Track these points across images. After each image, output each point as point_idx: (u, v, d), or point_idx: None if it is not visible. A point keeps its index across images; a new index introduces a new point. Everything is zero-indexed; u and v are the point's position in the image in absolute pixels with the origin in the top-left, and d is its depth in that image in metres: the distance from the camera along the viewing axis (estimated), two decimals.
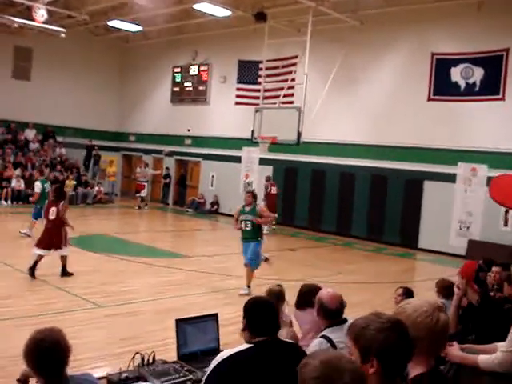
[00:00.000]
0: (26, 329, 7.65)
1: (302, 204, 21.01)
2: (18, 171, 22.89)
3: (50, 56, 25.58)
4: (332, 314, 4.25)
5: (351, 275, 13.20)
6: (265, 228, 19.27)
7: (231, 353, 3.15)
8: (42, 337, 2.91)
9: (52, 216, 10.81)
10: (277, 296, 5.43)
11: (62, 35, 22.68)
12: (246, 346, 3.20)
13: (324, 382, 1.87)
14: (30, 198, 16.42)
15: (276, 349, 3.23)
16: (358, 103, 19.42)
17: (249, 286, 10.69)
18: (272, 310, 3.38)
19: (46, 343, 2.88)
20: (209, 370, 3.18)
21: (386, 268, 14.83)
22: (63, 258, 10.93)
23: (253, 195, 11.12)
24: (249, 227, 10.83)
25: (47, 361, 2.88)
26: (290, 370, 2.21)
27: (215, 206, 24.12)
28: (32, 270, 10.46)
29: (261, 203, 19.40)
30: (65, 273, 10.91)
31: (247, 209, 10.92)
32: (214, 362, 3.17)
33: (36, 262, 10.54)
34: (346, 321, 4.22)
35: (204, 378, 3.21)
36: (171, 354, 4.78)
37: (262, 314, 3.29)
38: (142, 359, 4.20)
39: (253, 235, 10.88)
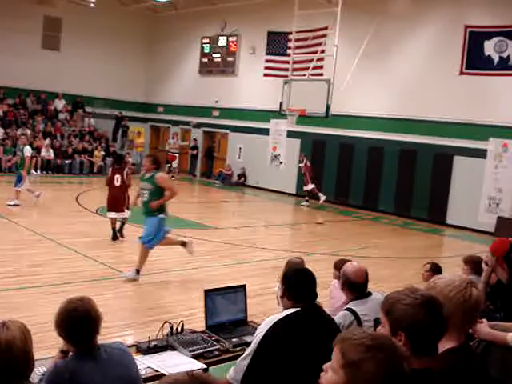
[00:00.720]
0: (56, 296, 7.82)
1: (329, 178, 20.91)
2: (47, 141, 23.12)
3: (79, 26, 25.60)
4: (357, 287, 4.27)
5: (378, 250, 13.16)
6: (304, 204, 19.42)
7: (280, 317, 3.23)
8: (73, 306, 2.94)
9: (117, 183, 11.92)
10: None
11: (92, 5, 22.74)
12: (292, 310, 3.27)
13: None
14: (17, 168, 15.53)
15: (319, 313, 3.38)
16: (388, 76, 19.15)
17: (138, 271, 8.90)
18: (312, 278, 3.46)
19: (78, 313, 2.92)
20: (258, 335, 3.23)
21: (413, 243, 14.76)
22: (125, 220, 12.03)
23: (153, 160, 9.28)
24: (146, 197, 9.15)
25: (79, 330, 2.92)
26: (330, 334, 2.24)
27: (242, 179, 24.15)
28: (115, 233, 11.77)
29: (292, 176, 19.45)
30: (121, 235, 11.95)
31: (146, 176, 9.33)
32: (262, 328, 3.24)
33: (118, 225, 11.90)
34: (370, 294, 4.25)
35: (255, 344, 3.25)
36: (197, 324, 4.83)
37: (303, 280, 3.37)
38: (171, 328, 4.25)
39: (150, 209, 9.12)
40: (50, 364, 3.04)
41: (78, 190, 19.08)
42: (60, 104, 26.10)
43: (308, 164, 19.95)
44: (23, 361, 2.53)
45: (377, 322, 3.59)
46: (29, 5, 23.80)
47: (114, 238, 11.76)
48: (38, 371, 3.43)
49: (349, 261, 4.72)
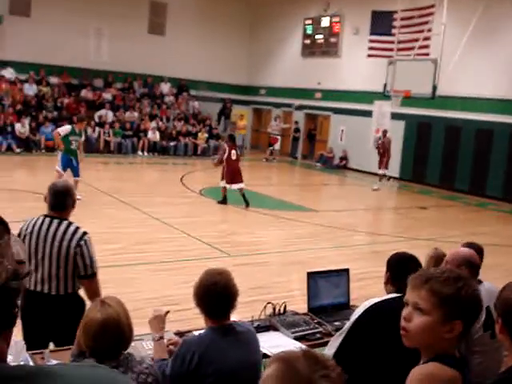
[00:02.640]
0: (161, 274, 8.09)
1: (434, 161, 20.28)
2: (153, 123, 23.84)
3: (183, 11, 26.14)
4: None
5: (484, 237, 12.63)
6: (375, 184, 18.86)
7: (378, 300, 3.19)
8: (214, 281, 3.01)
9: (234, 157, 13.67)
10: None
11: None
12: (393, 295, 3.21)
13: None
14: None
15: None
16: (498, 55, 18.23)
17: None
18: (416, 264, 3.35)
19: (218, 288, 2.99)
20: (354, 316, 3.22)
21: None
22: (241, 190, 13.58)
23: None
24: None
25: (217, 304, 3.01)
26: None
27: (344, 161, 23.90)
28: (226, 199, 13.60)
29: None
30: (247, 204, 13.44)
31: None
32: (359, 309, 3.21)
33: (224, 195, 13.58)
34: (480, 282, 4.07)
35: (350, 323, 3.24)
36: (297, 306, 4.83)
37: (406, 267, 3.27)
38: (274, 309, 4.27)
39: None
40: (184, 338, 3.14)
41: (182, 171, 19.57)
42: (166, 87, 26.81)
43: (386, 142, 18.87)
44: (129, 334, 2.66)
45: (488, 310, 3.45)
46: None
47: (224, 202, 13.61)
48: (146, 345, 3.55)
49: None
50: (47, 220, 4.03)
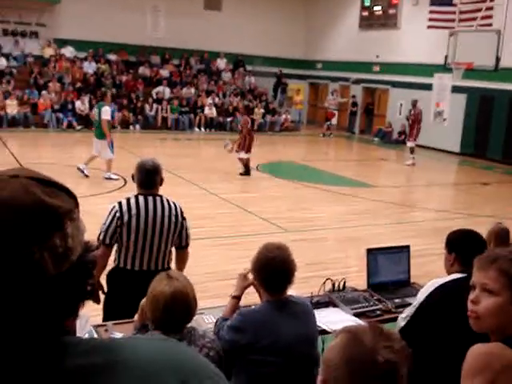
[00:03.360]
0: (219, 249, 8.15)
1: (496, 135, 19.66)
2: (210, 99, 23.92)
3: None
4: None
5: None
6: (408, 160, 18.32)
7: (443, 281, 3.13)
8: (272, 256, 3.02)
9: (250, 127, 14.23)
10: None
11: None
12: (459, 275, 3.13)
13: None
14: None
15: None
16: None
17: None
18: (482, 242, 3.27)
19: (276, 262, 3.00)
20: (420, 298, 3.19)
21: None
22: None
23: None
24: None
25: (275, 278, 3.02)
26: None
27: (403, 136, 23.45)
28: (247, 170, 13.81)
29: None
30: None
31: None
32: (425, 290, 3.18)
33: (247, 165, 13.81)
34: None
35: (415, 306, 3.22)
36: (354, 282, 4.78)
37: (472, 244, 3.18)
38: (333, 285, 4.24)
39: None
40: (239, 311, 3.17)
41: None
42: (222, 63, 26.82)
43: (418, 113, 17.88)
44: (194, 307, 2.70)
45: None
46: None
47: (248, 173, 13.86)
48: (206, 319, 3.58)
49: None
50: (150, 198, 4.10)
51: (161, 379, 0.92)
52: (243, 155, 13.74)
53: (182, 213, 4.21)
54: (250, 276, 3.33)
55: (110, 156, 12.31)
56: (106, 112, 12.15)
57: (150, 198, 4.10)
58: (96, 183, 11.98)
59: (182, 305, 2.61)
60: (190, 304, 2.65)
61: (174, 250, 4.34)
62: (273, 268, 2.98)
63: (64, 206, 0.92)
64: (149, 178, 4.14)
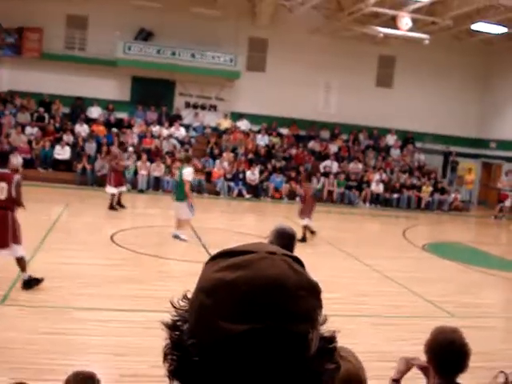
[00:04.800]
0: (380, 328, 7.96)
1: None
2: (377, 175, 23.85)
3: (411, 63, 26.05)
4: None
5: None
6: None
7: None
8: (451, 338, 2.98)
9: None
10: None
11: (426, 42, 22.94)
12: None
13: None
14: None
15: None
16: None
17: None
18: None
19: (455, 345, 2.95)
20: None
21: None
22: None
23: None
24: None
25: (453, 361, 2.96)
26: None
27: None
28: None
29: None
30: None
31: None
32: None
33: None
34: None
35: None
36: None
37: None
38: (506, 378, 3.96)
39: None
40: None
41: (404, 224, 19.25)
42: (391, 139, 26.76)
43: None
44: None
45: None
46: (366, 45, 25.10)
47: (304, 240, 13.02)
48: None
49: None
50: None
51: None
52: (306, 221, 13.46)
53: None
54: (412, 360, 3.24)
55: (187, 216, 12.42)
56: (189, 174, 12.45)
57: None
58: None
59: None
60: None
61: None
62: (451, 350, 2.92)
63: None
64: (285, 242, 4.19)
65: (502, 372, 3.97)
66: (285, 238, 4.27)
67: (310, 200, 13.80)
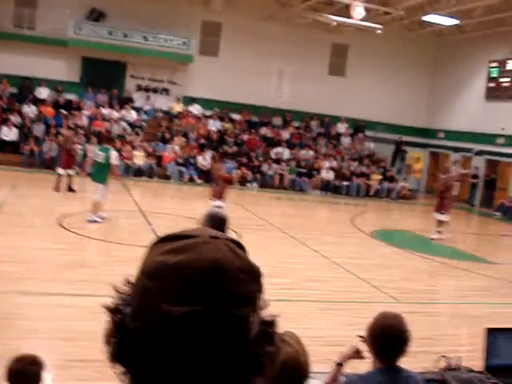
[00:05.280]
0: (328, 313, 8.07)
1: None
2: (327, 162, 24.08)
3: (363, 52, 26.34)
4: None
5: None
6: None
7: None
8: (390, 323, 3.03)
9: None
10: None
11: (378, 31, 23.20)
12: None
13: None
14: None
15: None
16: None
17: None
18: None
19: (392, 331, 3.00)
20: None
21: None
22: None
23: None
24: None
25: (391, 346, 3.01)
26: None
27: None
28: None
29: None
30: None
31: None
32: None
33: None
34: None
35: None
36: (468, 363, 4.56)
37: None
38: (448, 363, 4.08)
39: None
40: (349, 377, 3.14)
41: (353, 211, 19.50)
42: (342, 127, 27.03)
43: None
44: (307, 372, 2.63)
45: None
46: (320, 33, 25.24)
47: None
48: None
49: None
50: None
51: None
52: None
53: None
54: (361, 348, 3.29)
55: (103, 198, 12.40)
56: (116, 157, 12.47)
57: None
58: None
59: (293, 372, 2.51)
60: (302, 369, 2.57)
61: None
62: (390, 335, 2.97)
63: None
64: (216, 228, 4.21)
65: (443, 356, 4.09)
66: (216, 222, 4.31)
67: (221, 182, 13.20)
